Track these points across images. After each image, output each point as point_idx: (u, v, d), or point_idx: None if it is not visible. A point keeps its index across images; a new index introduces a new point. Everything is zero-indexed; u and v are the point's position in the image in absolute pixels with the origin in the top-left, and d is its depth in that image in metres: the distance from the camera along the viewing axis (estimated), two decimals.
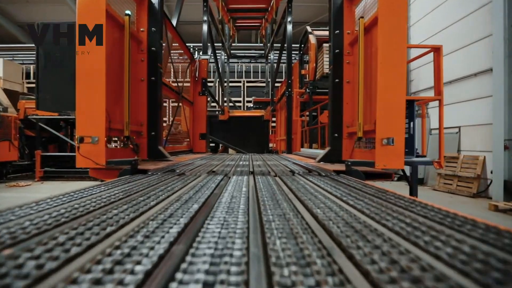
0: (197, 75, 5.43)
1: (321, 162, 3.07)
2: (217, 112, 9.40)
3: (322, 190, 1.29)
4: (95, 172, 2.14)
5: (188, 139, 5.29)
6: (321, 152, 4.57)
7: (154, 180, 1.60)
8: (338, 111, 3.11)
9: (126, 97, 2.61)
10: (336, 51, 3.10)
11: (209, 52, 7.25)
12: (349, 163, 2.01)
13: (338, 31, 3.09)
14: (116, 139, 3.22)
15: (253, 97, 12.45)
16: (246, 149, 8.90)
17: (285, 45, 6.75)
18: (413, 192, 3.24)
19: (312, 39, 10.24)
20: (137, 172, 2.00)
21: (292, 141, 5.60)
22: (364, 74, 2.66)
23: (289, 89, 5.57)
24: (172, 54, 4.52)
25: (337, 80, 3.10)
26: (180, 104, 4.62)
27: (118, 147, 3.31)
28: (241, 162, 3.01)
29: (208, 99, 11.98)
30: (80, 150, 1.94)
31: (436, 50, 2.88)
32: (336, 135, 3.10)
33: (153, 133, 3.08)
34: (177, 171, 2.07)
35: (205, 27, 5.78)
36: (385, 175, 2.16)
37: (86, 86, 2.00)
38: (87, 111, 1.98)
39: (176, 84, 4.48)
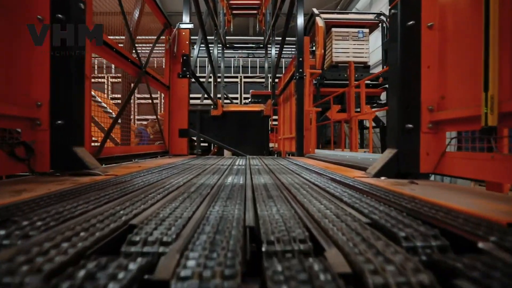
0: (175, 49, 3.96)
1: (382, 178, 1.62)
2: (212, 107, 7.92)
3: None
4: None
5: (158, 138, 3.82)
6: (357, 157, 3.05)
7: None
8: (411, 82, 1.67)
9: None
10: None
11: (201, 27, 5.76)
12: None
13: None
14: None
15: (251, 90, 11.02)
16: (243, 150, 7.45)
17: (286, 37, 5.32)
18: None
19: (319, 22, 8.80)
20: None
21: (304, 140, 4.15)
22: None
23: (300, 70, 4.11)
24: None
25: (410, 22, 1.66)
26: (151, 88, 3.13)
27: None
28: (229, 179, 1.55)
29: (200, 95, 10.56)
30: None
31: None
32: (409, 126, 1.65)
33: (60, 121, 1.61)
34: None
35: None
36: None
37: None
38: None
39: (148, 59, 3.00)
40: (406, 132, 1.66)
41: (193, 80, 6.10)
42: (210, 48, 7.10)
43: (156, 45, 3.86)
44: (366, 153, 5.84)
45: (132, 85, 3.27)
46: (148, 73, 3.13)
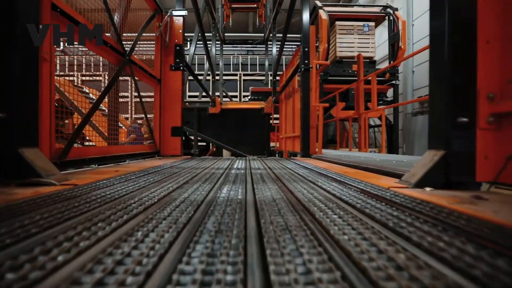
0: (167, 39, 3.55)
1: (427, 189, 1.22)
2: (210, 105, 7.52)
3: None
4: None
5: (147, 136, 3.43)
6: (375, 158, 2.57)
7: None
8: (463, 62, 1.28)
9: None
10: None
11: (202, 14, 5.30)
12: None
13: None
14: None
15: (250, 87, 10.61)
16: (242, 149, 7.07)
17: (288, 33, 4.90)
18: None
19: (323, 15, 8.38)
20: None
21: (310, 138, 3.75)
22: None
23: (306, 61, 3.71)
24: None
25: None
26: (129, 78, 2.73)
27: None
28: (224, 191, 1.15)
29: (199, 93, 10.10)
30: None
31: None
32: (463, 120, 1.25)
33: (1, 115, 1.21)
34: None
35: None
36: None
37: None
38: None
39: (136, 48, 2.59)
40: (458, 128, 1.27)
41: (191, 77, 5.67)
42: (208, 45, 6.68)
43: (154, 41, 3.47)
44: (376, 153, 5.45)
45: (119, 79, 2.87)
46: (134, 61, 2.72)
